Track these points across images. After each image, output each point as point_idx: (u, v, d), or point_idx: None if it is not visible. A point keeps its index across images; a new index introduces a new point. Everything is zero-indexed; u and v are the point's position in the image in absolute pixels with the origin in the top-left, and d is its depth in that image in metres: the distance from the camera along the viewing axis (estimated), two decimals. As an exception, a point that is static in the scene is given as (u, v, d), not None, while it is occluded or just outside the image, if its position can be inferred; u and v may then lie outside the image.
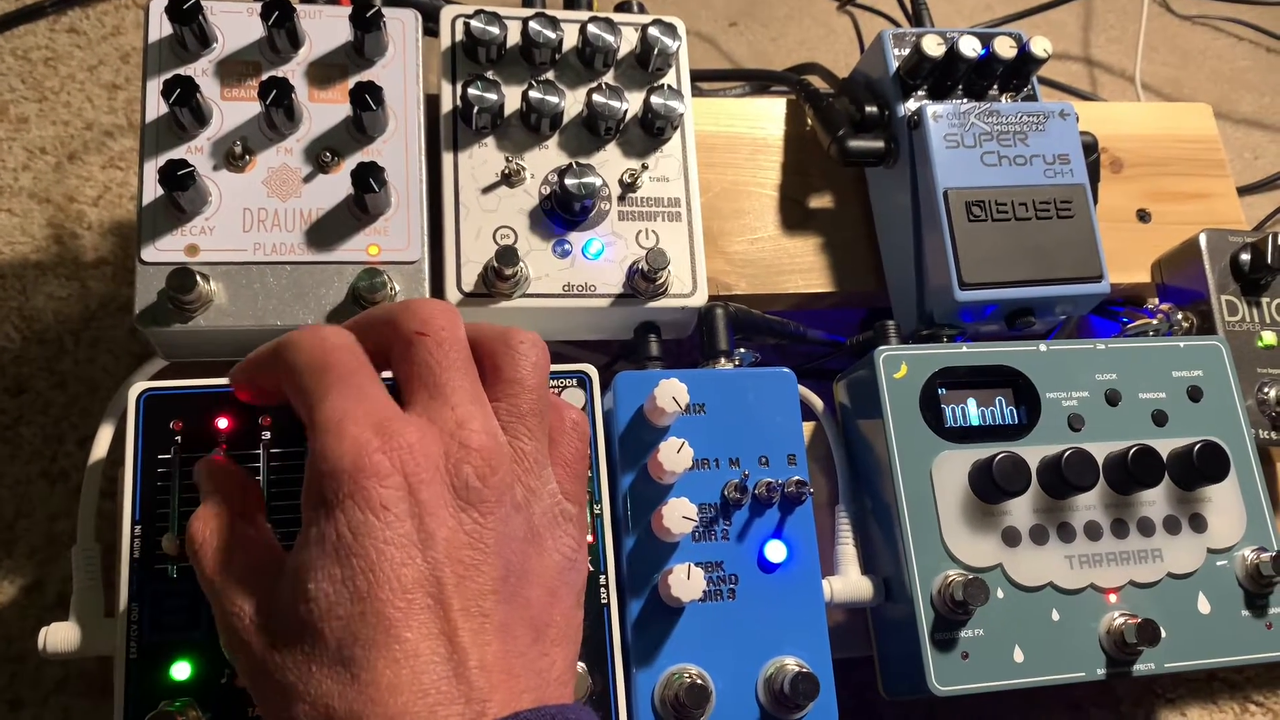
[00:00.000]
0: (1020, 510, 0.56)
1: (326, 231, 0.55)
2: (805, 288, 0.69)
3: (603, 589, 0.50)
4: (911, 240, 0.65)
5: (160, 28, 0.56)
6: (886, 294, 0.69)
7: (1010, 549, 0.55)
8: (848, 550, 0.58)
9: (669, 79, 0.63)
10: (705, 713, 0.49)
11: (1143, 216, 0.76)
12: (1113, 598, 0.56)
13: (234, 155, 0.55)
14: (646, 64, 0.62)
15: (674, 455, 0.51)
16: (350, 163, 0.56)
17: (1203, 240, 0.69)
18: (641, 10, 0.67)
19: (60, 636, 0.49)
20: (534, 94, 0.58)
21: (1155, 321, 0.68)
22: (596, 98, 0.59)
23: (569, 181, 0.57)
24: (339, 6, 0.58)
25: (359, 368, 0.37)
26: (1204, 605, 0.57)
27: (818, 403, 0.62)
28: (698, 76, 0.82)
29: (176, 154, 0.54)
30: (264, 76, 0.55)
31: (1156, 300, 0.72)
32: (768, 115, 0.74)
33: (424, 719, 0.32)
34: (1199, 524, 0.58)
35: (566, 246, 0.58)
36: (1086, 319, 0.75)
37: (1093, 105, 0.92)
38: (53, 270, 0.70)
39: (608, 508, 0.52)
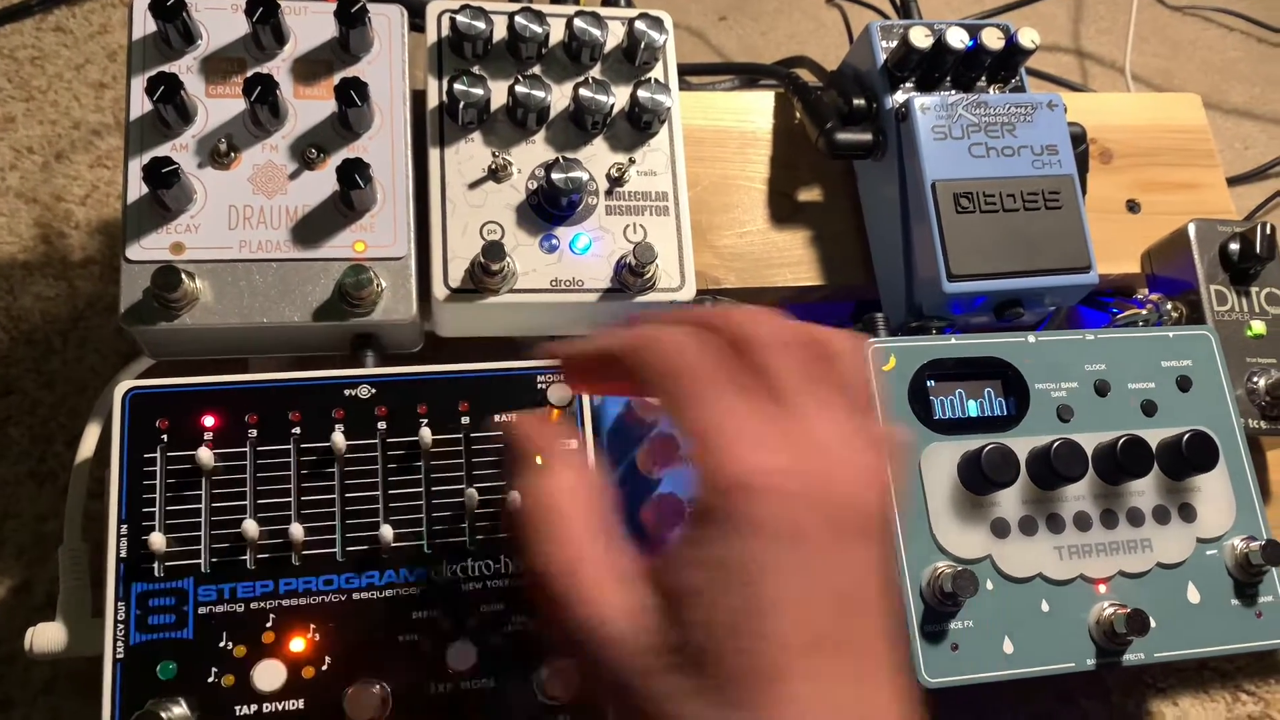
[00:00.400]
0: (1009, 501, 0.56)
1: (313, 228, 0.55)
2: (794, 281, 0.69)
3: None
4: (900, 233, 0.65)
5: (144, 25, 0.55)
6: (876, 287, 0.69)
7: (999, 540, 0.55)
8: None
9: (656, 73, 0.63)
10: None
11: (1132, 207, 0.76)
12: (1102, 588, 0.56)
13: (219, 152, 0.55)
14: (633, 58, 0.62)
15: (662, 449, 0.51)
16: (336, 159, 0.56)
17: (1192, 230, 0.69)
18: (629, 4, 0.67)
19: (47, 637, 0.49)
20: (520, 89, 0.58)
21: (1145, 312, 0.68)
22: (583, 92, 0.59)
23: (555, 176, 0.57)
24: (324, 2, 0.58)
25: (721, 377, 0.36)
26: (1193, 595, 0.57)
27: (807, 396, 0.62)
28: (686, 70, 0.82)
29: (161, 152, 0.54)
30: (249, 73, 0.54)
31: (1146, 291, 0.72)
32: (756, 109, 0.74)
33: None
34: (1188, 514, 0.58)
35: (554, 241, 0.58)
36: (1076, 310, 0.76)
37: (1082, 96, 0.92)
38: (40, 270, 0.69)
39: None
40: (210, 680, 0.45)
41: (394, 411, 0.51)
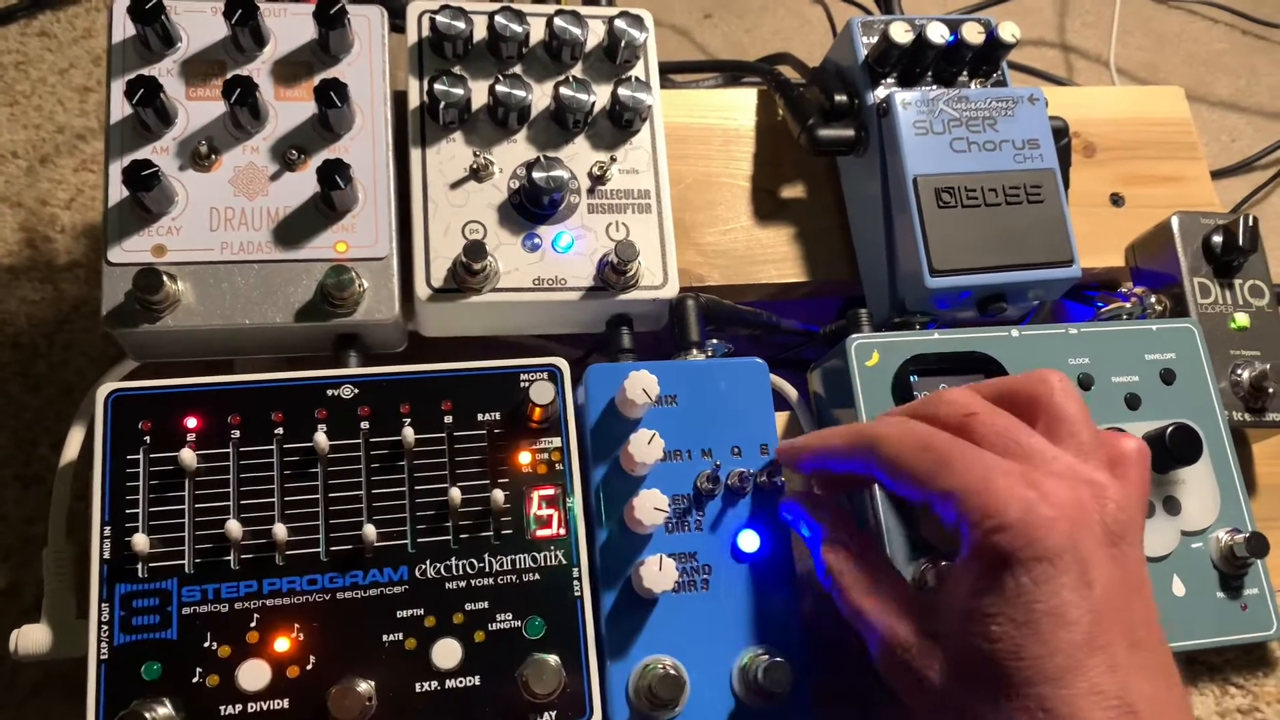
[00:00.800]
0: (993, 495, 0.56)
1: (294, 230, 0.55)
2: (778, 278, 0.69)
3: (576, 581, 0.50)
4: (883, 228, 0.65)
5: (124, 28, 0.55)
6: (860, 283, 0.69)
7: (983, 534, 0.55)
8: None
9: (637, 71, 0.63)
10: (679, 703, 0.50)
11: (1116, 200, 0.76)
12: (1086, 580, 0.56)
13: (200, 155, 0.55)
14: (614, 56, 0.62)
15: (645, 447, 0.51)
16: (317, 160, 0.56)
17: (1175, 223, 0.69)
18: (609, 2, 0.67)
19: (32, 639, 0.49)
20: (501, 88, 0.58)
21: (1129, 305, 0.68)
22: (564, 91, 0.59)
23: (537, 175, 0.57)
24: (303, 4, 0.58)
25: (955, 440, 0.43)
26: (1179, 588, 0.58)
27: (791, 392, 0.62)
28: (669, 68, 0.82)
29: (141, 154, 0.54)
30: (229, 75, 0.54)
31: (1130, 284, 0.72)
32: (739, 106, 0.74)
33: None
34: (1173, 506, 0.59)
35: (536, 240, 0.58)
36: (1061, 304, 0.76)
37: (1065, 90, 0.92)
38: (25, 274, 0.69)
39: (580, 501, 0.52)
40: (195, 680, 0.45)
41: (377, 411, 0.51)
